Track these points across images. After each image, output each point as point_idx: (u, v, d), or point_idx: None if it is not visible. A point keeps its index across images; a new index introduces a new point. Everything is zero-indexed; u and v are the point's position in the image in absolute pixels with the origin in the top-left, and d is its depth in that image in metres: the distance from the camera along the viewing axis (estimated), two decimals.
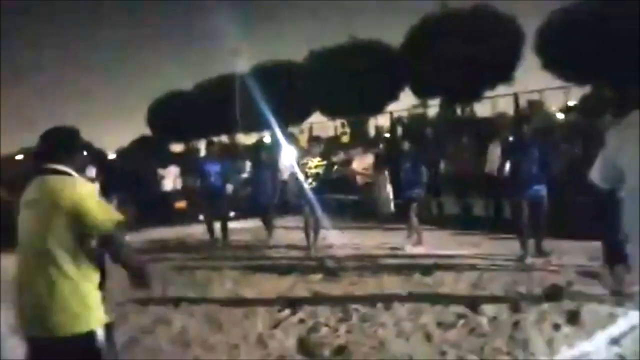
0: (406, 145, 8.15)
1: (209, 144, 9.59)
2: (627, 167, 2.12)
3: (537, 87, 15.21)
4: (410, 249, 7.37)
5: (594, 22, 12.04)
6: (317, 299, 5.15)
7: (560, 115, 14.50)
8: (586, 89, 14.14)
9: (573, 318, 4.11)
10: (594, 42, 11.86)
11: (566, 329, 3.92)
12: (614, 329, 3.85)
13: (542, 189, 6.29)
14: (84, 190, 2.29)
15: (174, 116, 23.46)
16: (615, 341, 3.65)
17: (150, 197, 13.30)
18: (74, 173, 2.34)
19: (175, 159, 17.54)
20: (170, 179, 13.68)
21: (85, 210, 2.19)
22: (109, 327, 2.31)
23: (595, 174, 2.35)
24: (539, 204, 6.30)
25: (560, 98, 15.40)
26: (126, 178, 13.86)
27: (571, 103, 14.79)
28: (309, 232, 7.49)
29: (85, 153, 2.54)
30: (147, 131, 26.49)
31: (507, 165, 6.44)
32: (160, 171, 13.80)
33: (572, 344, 3.66)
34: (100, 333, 2.23)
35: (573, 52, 12.41)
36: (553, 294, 4.71)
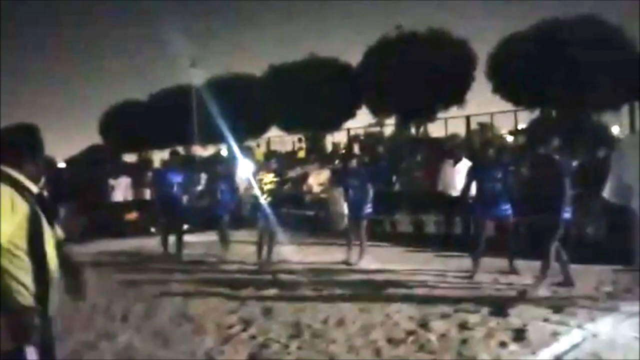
0: (354, 163, 8.23)
1: (173, 154, 9.35)
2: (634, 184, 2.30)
3: (488, 110, 15.82)
4: (364, 265, 7.40)
5: (542, 48, 12.64)
6: (268, 315, 5.10)
7: (510, 138, 15.10)
8: (535, 113, 14.78)
9: (519, 335, 4.22)
10: (543, 68, 12.44)
11: (512, 346, 4.02)
12: (558, 347, 3.97)
13: (507, 209, 6.51)
14: None
15: (128, 126, 22.96)
16: (558, 358, 3.76)
17: (100, 208, 12.91)
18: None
19: (127, 169, 17.07)
20: (122, 189, 13.30)
21: None
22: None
23: (608, 192, 2.51)
24: (505, 223, 6.54)
25: (510, 121, 16.04)
26: (76, 187, 13.41)
27: (520, 126, 15.42)
28: (262, 246, 7.45)
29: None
30: (99, 140, 25.81)
31: (472, 186, 6.63)
32: (111, 181, 13.40)
33: None
34: (30, 350, 2.10)
35: (522, 77, 12.97)
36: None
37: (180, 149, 22.26)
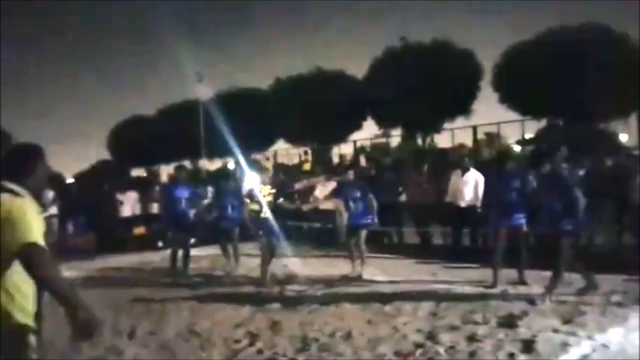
0: (351, 175, 8.16)
1: (178, 168, 9.31)
2: None
3: (494, 119, 15.81)
4: (371, 277, 7.36)
5: (548, 57, 12.64)
6: (275, 329, 5.08)
7: (517, 148, 15.08)
8: (542, 123, 14.76)
9: (528, 347, 4.17)
10: (548, 77, 12.43)
11: (521, 357, 3.98)
12: (567, 358, 3.92)
13: (521, 218, 6.53)
14: (16, 202, 2.18)
15: (135, 141, 23.16)
16: None
17: (109, 223, 12.98)
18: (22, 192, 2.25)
19: (135, 184, 17.17)
20: (130, 204, 13.37)
21: (12, 220, 2.10)
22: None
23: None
24: (519, 232, 6.54)
25: (517, 131, 16.01)
26: (84, 203, 13.51)
27: (528, 136, 15.38)
28: (266, 264, 7.34)
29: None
30: (107, 155, 26.02)
31: (479, 194, 6.69)
32: (119, 196, 13.48)
33: None
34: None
35: (528, 87, 12.97)
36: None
37: (187, 163, 22.44)
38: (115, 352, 4.61)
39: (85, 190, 15.69)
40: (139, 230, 12.77)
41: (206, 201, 10.61)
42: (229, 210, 8.56)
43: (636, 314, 4.94)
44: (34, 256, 2.09)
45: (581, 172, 7.71)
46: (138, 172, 25.42)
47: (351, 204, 7.74)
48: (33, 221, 2.16)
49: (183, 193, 8.21)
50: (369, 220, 7.68)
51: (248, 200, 7.57)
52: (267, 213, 7.32)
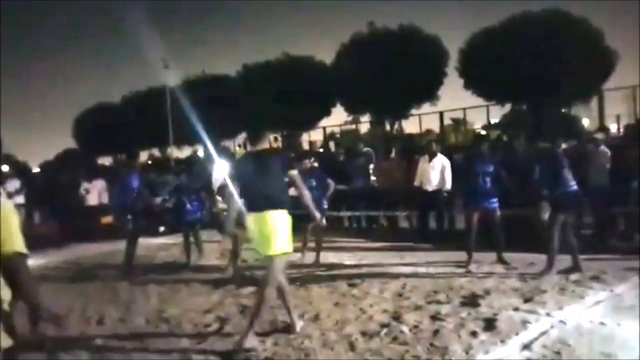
0: (307, 163, 7.99)
1: (132, 157, 9.02)
2: None
3: (460, 105, 16.11)
4: (338, 260, 7.44)
5: (511, 44, 12.88)
6: (245, 313, 5.12)
7: (483, 132, 15.36)
8: (506, 108, 15.09)
9: (489, 325, 4.32)
10: (512, 63, 12.68)
11: (483, 336, 4.11)
12: (527, 335, 4.07)
13: (495, 202, 6.69)
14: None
15: (102, 129, 22.72)
16: (527, 346, 3.85)
17: (75, 212, 12.75)
18: None
19: (102, 172, 16.87)
20: (96, 193, 13.13)
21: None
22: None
23: None
24: (493, 215, 6.69)
25: (482, 116, 16.35)
26: (50, 192, 13.22)
27: (493, 121, 15.73)
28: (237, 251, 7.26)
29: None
30: (73, 144, 25.48)
31: (449, 179, 6.81)
32: (86, 185, 13.22)
33: (487, 349, 3.83)
34: None
35: (492, 72, 13.21)
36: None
37: (156, 151, 22.11)
38: (84, 340, 4.60)
39: (51, 180, 15.34)
40: (107, 219, 12.57)
41: (174, 188, 10.48)
42: (188, 204, 8.17)
43: (592, 292, 5.16)
44: (19, 265, 2.09)
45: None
46: (105, 160, 24.98)
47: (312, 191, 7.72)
48: (15, 224, 2.15)
49: (135, 182, 7.95)
50: (325, 206, 7.73)
51: (220, 198, 7.42)
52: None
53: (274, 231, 4.19)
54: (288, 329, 4.49)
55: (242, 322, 4.81)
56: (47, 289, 6.14)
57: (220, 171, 7.74)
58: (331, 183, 7.75)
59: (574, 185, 6.02)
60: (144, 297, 6.10)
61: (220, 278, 6.83)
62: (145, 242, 8.40)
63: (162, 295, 6.14)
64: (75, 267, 8.60)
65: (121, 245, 7.88)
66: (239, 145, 20.85)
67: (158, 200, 8.90)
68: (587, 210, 8.15)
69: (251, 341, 4.14)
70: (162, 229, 11.30)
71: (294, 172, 4.51)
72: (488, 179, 6.66)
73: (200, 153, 19.71)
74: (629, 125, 10.15)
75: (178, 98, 17.06)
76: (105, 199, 13.20)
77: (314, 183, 7.61)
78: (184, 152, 22.57)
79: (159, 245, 9.97)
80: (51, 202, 12.88)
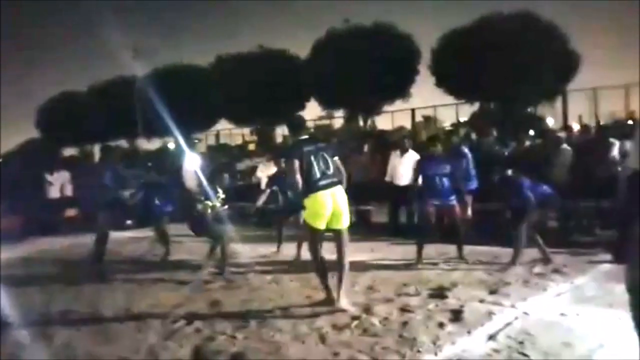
0: (283, 161, 7.98)
1: (106, 149, 8.85)
2: None
3: (431, 103, 16.34)
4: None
5: (480, 43, 13.11)
6: (214, 308, 5.11)
7: (451, 129, 15.60)
8: (475, 107, 15.36)
9: (456, 316, 4.42)
10: (480, 62, 12.91)
11: (450, 327, 4.21)
12: (492, 326, 4.18)
13: (452, 199, 6.74)
14: None
15: (67, 119, 22.14)
16: (492, 337, 3.96)
17: (38, 205, 12.42)
18: None
19: (66, 164, 16.45)
20: (60, 185, 12.82)
21: None
22: None
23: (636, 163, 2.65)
24: (451, 212, 6.76)
25: (452, 114, 16.62)
26: (11, 184, 12.84)
27: (462, 119, 16.00)
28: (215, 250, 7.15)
29: None
30: (36, 134, 24.76)
31: (420, 177, 6.88)
32: (49, 177, 12.91)
33: (454, 340, 3.93)
34: None
35: (461, 71, 13.43)
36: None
37: (123, 142, 21.68)
38: (46, 338, 4.49)
39: (13, 171, 14.90)
40: (70, 212, 12.30)
41: (142, 182, 10.30)
42: (157, 199, 7.89)
43: (554, 284, 5.34)
44: None
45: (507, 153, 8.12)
46: (70, 151, 24.37)
47: (289, 192, 7.70)
48: None
49: (110, 179, 7.69)
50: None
51: (203, 198, 7.26)
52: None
53: (346, 205, 4.83)
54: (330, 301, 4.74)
55: (211, 317, 4.80)
56: (9, 284, 6.00)
57: (191, 164, 7.63)
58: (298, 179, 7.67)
59: (546, 190, 6.21)
60: (110, 292, 6.01)
61: (189, 273, 6.78)
62: (112, 236, 8.23)
63: (130, 290, 6.06)
64: (39, 261, 8.40)
65: (86, 238, 7.71)
66: (199, 140, 20.50)
67: (126, 193, 8.73)
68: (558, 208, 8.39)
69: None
70: (129, 222, 11.13)
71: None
72: (445, 179, 6.71)
73: (171, 145, 19.42)
74: (585, 125, 10.49)
75: (148, 88, 16.76)
76: (68, 192, 12.91)
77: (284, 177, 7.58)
78: (153, 144, 22.22)
79: (127, 239, 9.83)
80: (12, 195, 12.52)
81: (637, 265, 2.49)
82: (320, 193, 4.68)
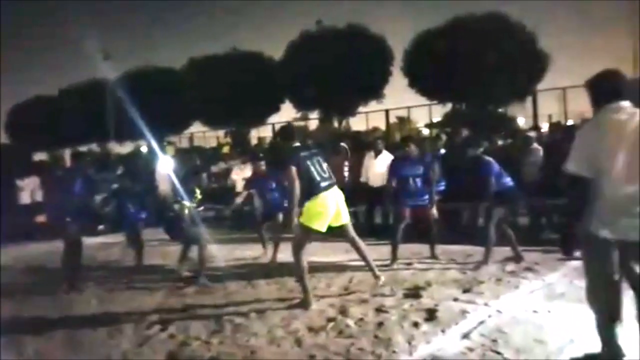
0: (262, 164, 7.91)
1: (77, 156, 8.54)
2: (605, 158, 2.81)
3: (405, 104, 16.50)
4: (287, 258, 7.40)
5: (451, 44, 13.27)
6: (189, 313, 5.05)
7: (426, 131, 15.81)
8: (447, 107, 15.55)
9: (430, 315, 4.46)
10: (452, 63, 13.07)
11: (424, 326, 4.24)
12: (466, 324, 4.22)
13: (425, 199, 6.80)
14: None
15: (37, 123, 21.68)
16: (466, 335, 4.00)
17: (7, 211, 12.11)
18: None
19: (36, 169, 16.06)
20: (30, 191, 12.53)
21: None
22: None
23: (572, 165, 2.79)
24: (423, 212, 6.79)
25: (426, 114, 16.81)
26: None
27: (435, 119, 16.20)
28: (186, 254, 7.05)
29: None
30: (5, 139, 24.19)
31: (394, 178, 6.90)
32: (20, 182, 12.60)
33: (429, 339, 3.96)
34: None
35: (433, 72, 13.58)
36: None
37: (95, 146, 21.28)
38: (18, 346, 4.38)
39: None
40: (41, 218, 12.00)
41: (115, 186, 10.13)
42: (131, 206, 7.66)
43: (526, 281, 5.43)
44: None
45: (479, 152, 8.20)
46: (41, 156, 23.82)
47: (267, 195, 7.66)
48: None
49: (81, 188, 7.43)
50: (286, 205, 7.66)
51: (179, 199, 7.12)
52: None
53: (344, 202, 5.16)
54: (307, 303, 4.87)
55: (185, 322, 4.75)
56: None
57: (164, 167, 7.49)
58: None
59: (508, 182, 6.30)
60: (82, 298, 5.89)
61: (163, 278, 6.69)
62: (84, 242, 8.07)
63: (102, 296, 5.96)
64: (9, 268, 8.18)
65: (57, 245, 7.47)
66: (169, 142, 20.22)
67: (98, 198, 8.54)
68: (521, 204, 8.53)
69: None
70: (101, 227, 10.93)
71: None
72: (418, 180, 6.75)
73: (144, 149, 19.16)
74: (554, 124, 10.72)
75: (119, 91, 16.49)
76: (39, 197, 12.61)
77: (274, 185, 7.52)
78: (125, 148, 21.89)
79: (99, 244, 9.65)
80: None
81: None
82: (323, 195, 4.93)
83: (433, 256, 6.84)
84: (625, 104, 3.00)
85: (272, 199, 7.57)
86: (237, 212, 9.35)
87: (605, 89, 3.06)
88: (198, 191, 6.80)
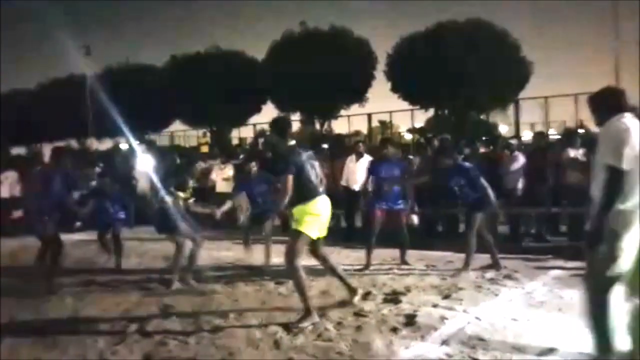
0: (253, 166, 7.82)
1: (57, 153, 8.31)
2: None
3: (387, 108, 16.59)
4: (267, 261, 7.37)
5: (434, 50, 13.37)
6: (167, 313, 4.98)
7: (409, 135, 15.92)
8: (429, 113, 15.68)
9: (410, 321, 4.46)
10: (434, 69, 13.17)
11: (404, 331, 4.23)
12: (445, 331, 4.23)
13: (400, 203, 6.79)
14: None
15: (15, 117, 21.25)
16: (445, 342, 4.00)
17: None
18: None
19: (14, 163, 15.72)
20: (7, 185, 12.24)
21: None
22: None
23: (624, 163, 3.06)
24: (397, 216, 6.78)
25: (407, 119, 16.93)
26: None
27: (417, 125, 16.33)
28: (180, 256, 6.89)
29: None
30: None
31: (371, 181, 6.90)
32: None
33: (408, 345, 3.95)
34: None
35: (416, 78, 13.66)
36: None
37: (74, 142, 20.93)
38: None
39: None
40: (18, 213, 11.73)
41: (93, 183, 9.98)
42: (110, 206, 7.51)
43: (506, 289, 5.47)
44: None
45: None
46: (19, 150, 23.37)
47: (257, 198, 7.53)
48: None
49: (60, 185, 7.21)
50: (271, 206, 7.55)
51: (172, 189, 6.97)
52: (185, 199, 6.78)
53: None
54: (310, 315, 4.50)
55: (162, 322, 4.68)
56: None
57: (144, 165, 7.40)
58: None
59: (487, 189, 6.32)
60: (57, 297, 5.76)
61: (139, 277, 6.59)
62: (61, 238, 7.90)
63: (78, 295, 5.83)
64: None
65: (32, 241, 7.27)
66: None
67: (75, 195, 8.36)
68: (501, 212, 8.61)
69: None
70: (78, 224, 10.73)
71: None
72: (392, 181, 6.75)
73: (123, 146, 18.91)
74: (538, 133, 10.85)
75: (99, 87, 16.24)
76: (17, 192, 12.34)
77: (265, 187, 7.39)
78: (104, 144, 21.59)
79: (75, 242, 9.47)
80: None
81: None
82: (319, 199, 4.67)
83: (403, 262, 6.82)
84: (628, 115, 3.25)
85: (263, 202, 7.39)
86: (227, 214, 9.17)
87: (611, 104, 3.32)
88: (191, 182, 6.72)
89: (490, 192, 6.29)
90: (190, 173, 7.16)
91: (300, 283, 4.55)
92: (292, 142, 5.23)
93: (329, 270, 5.02)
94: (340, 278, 5.00)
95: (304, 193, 4.63)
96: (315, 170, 4.78)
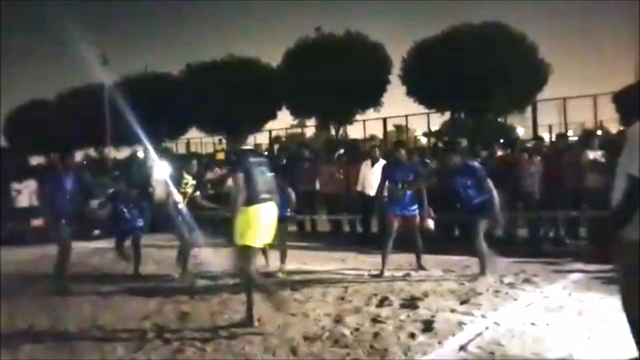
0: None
1: (65, 155, 8.44)
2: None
3: (403, 112, 16.53)
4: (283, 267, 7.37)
5: (450, 54, 13.30)
6: (184, 320, 5.00)
7: (424, 139, 15.84)
8: (446, 116, 15.59)
9: (427, 327, 4.41)
10: (451, 72, 13.09)
11: (421, 337, 4.19)
12: (463, 336, 4.18)
13: (414, 209, 6.73)
14: None
15: (35, 127, 21.65)
16: (462, 347, 3.96)
17: (5, 214, 12.06)
18: None
19: (34, 172, 16.00)
20: (27, 194, 12.48)
21: None
22: None
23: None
24: (412, 221, 6.73)
25: (423, 123, 16.83)
26: None
27: (433, 128, 16.23)
28: (187, 258, 7.00)
29: None
30: (3, 142, 24.15)
31: (386, 185, 6.83)
32: (17, 185, 12.54)
33: (425, 351, 3.91)
34: None
35: (432, 81, 13.60)
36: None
37: (92, 151, 21.20)
38: (10, 353, 4.32)
39: None
40: (38, 222, 11.93)
41: (111, 191, 10.08)
42: (127, 212, 7.59)
43: (525, 293, 5.39)
44: None
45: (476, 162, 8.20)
46: (38, 160, 23.79)
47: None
48: None
49: (69, 184, 7.35)
50: (287, 214, 7.56)
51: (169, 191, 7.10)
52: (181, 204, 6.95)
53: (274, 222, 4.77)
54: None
55: (180, 329, 4.70)
56: None
57: (161, 173, 7.47)
58: (292, 193, 7.33)
59: (492, 192, 6.14)
60: (76, 305, 5.82)
61: (158, 284, 6.63)
62: (79, 247, 8.01)
63: (96, 303, 5.89)
64: (4, 272, 8.10)
65: (53, 249, 7.41)
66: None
67: (94, 203, 8.48)
68: (520, 216, 8.52)
69: None
70: (96, 232, 10.87)
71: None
72: (406, 185, 6.68)
73: (140, 154, 19.12)
74: (560, 135, 10.71)
75: (117, 96, 16.46)
76: (35, 201, 12.56)
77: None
78: (122, 153, 21.87)
79: (93, 250, 9.58)
80: None
81: None
82: (259, 206, 4.61)
83: (420, 267, 6.78)
84: None
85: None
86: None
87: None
88: (189, 177, 6.83)
89: (495, 195, 6.11)
90: (188, 168, 7.21)
91: (250, 285, 4.71)
92: (247, 147, 5.14)
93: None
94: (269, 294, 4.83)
95: (249, 197, 4.59)
96: (262, 177, 4.72)
